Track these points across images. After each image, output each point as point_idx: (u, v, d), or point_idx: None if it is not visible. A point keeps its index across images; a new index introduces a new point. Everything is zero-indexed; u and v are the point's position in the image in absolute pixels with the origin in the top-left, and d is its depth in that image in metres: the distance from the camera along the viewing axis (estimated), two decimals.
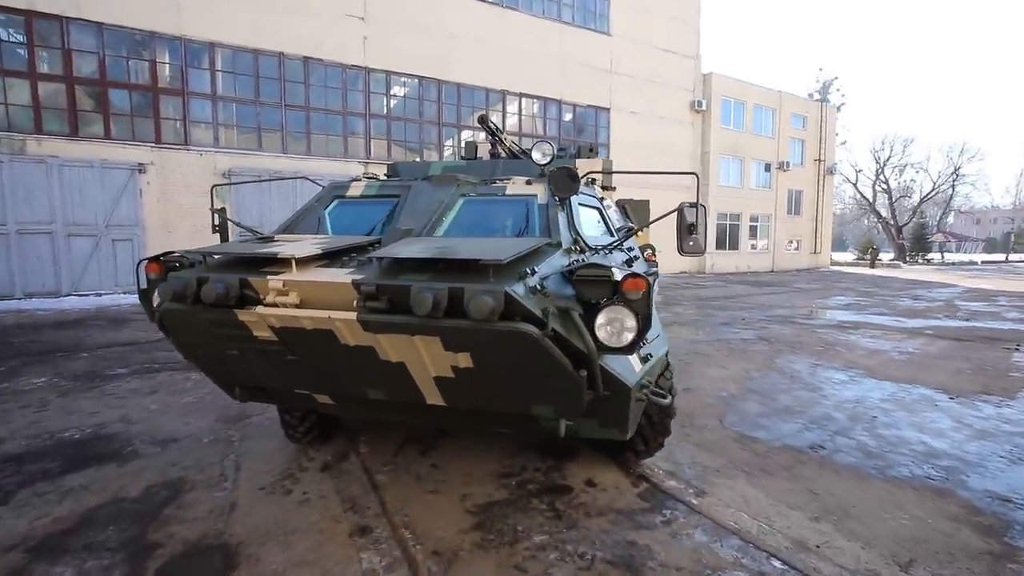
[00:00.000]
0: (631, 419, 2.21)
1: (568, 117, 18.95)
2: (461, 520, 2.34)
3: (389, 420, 3.09)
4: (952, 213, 45.56)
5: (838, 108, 27.76)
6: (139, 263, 2.36)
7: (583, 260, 2.19)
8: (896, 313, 9.91)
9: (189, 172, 13.04)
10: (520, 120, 17.95)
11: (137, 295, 2.52)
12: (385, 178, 3.62)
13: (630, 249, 3.02)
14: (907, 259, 38.28)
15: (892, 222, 41.58)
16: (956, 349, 6.47)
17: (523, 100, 17.84)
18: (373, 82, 15.39)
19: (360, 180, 3.30)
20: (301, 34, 14.08)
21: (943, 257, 40.67)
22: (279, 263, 2.05)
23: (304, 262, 2.05)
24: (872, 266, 29.71)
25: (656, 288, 2.91)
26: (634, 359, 2.09)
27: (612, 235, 2.95)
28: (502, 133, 4.45)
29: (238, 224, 3.47)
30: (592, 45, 18.97)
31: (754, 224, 24.12)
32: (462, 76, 16.58)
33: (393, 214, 2.71)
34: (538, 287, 1.81)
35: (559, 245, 2.27)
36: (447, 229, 2.55)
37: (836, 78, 26.87)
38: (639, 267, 2.93)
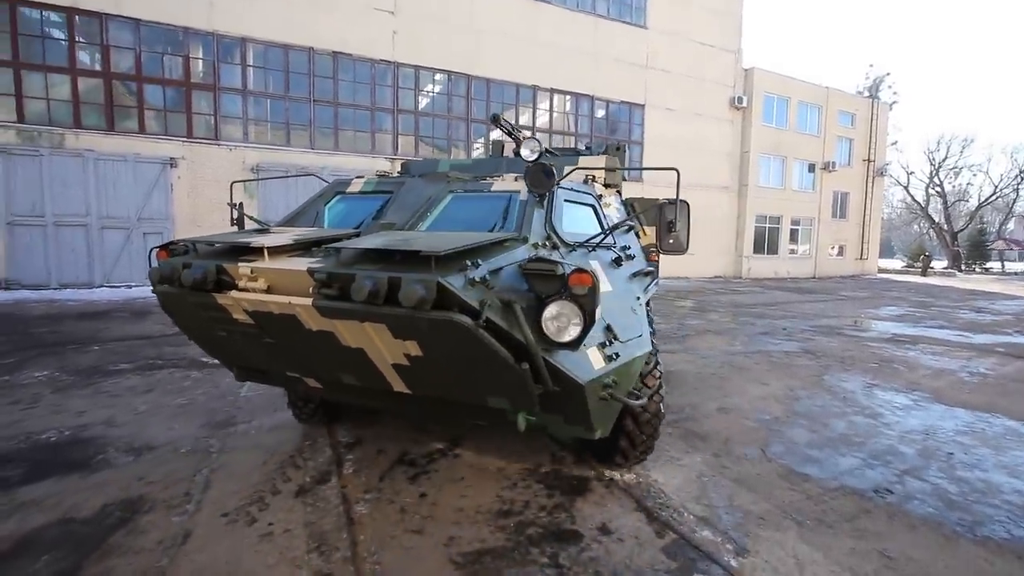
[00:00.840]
0: (596, 417, 2.20)
1: (601, 114, 18.35)
2: (442, 573, 1.93)
3: (376, 407, 3.15)
4: (1014, 219, 42.40)
5: (890, 106, 26.10)
6: (151, 250, 2.55)
7: (545, 255, 2.17)
8: (958, 327, 8.99)
9: (218, 166, 13.12)
10: (551, 117, 17.46)
11: None
12: (398, 175, 3.69)
13: (624, 247, 2.94)
14: (963, 268, 35.85)
15: (946, 228, 39.07)
16: None
17: (554, 96, 17.35)
18: (402, 77, 15.21)
19: (362, 177, 3.40)
20: (330, 29, 14.00)
21: (1003, 266, 37.95)
22: (254, 252, 2.19)
23: (277, 251, 2.18)
24: (924, 274, 27.86)
25: (652, 289, 3.00)
26: (595, 356, 2.09)
27: (610, 236, 2.80)
28: (518, 131, 4.33)
29: (252, 218, 3.53)
30: (627, 39, 18.31)
31: (795, 227, 22.91)
32: (492, 71, 16.23)
33: (383, 209, 2.83)
34: (479, 279, 1.84)
35: (525, 240, 2.28)
36: (431, 223, 2.62)
37: (888, 74, 25.31)
38: (632, 265, 2.90)
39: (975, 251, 35.62)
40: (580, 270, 1.83)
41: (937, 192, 39.91)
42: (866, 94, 28.01)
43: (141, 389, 4.32)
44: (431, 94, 15.83)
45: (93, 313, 8.60)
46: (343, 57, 14.34)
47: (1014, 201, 38.81)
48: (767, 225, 21.92)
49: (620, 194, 3.29)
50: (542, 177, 2.34)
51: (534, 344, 1.84)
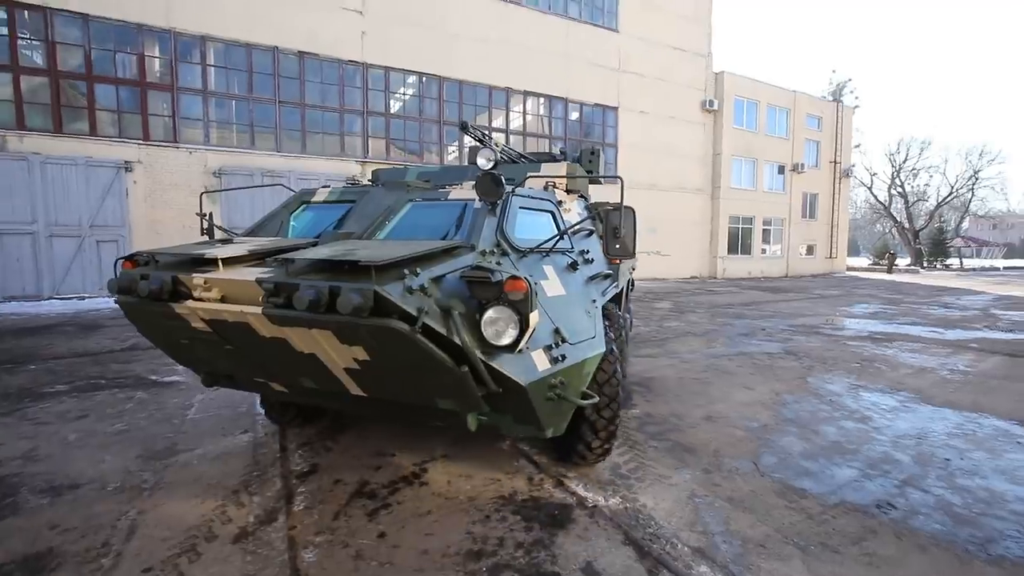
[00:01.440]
0: (545, 417, 2.28)
1: (575, 116, 18.27)
2: None
3: (339, 410, 3.21)
4: (969, 218, 44.17)
5: (853, 109, 26.80)
6: (116, 260, 2.56)
7: (494, 263, 2.27)
8: (931, 323, 9.09)
9: (178, 171, 12.49)
10: (524, 119, 17.29)
11: None
12: (368, 183, 3.95)
13: (583, 252, 3.00)
14: (925, 265, 37.11)
15: (908, 227, 40.44)
16: (1013, 367, 5.67)
17: (528, 98, 17.19)
18: (371, 79, 14.81)
19: (327, 186, 3.43)
20: (296, 27, 13.53)
21: (962, 263, 39.43)
22: (210, 263, 2.23)
23: (232, 262, 2.24)
24: (889, 272, 28.67)
25: (610, 292, 3.11)
26: (540, 358, 2.16)
27: (567, 240, 2.88)
28: (489, 138, 4.40)
29: (222, 228, 3.40)
30: (600, 42, 18.30)
31: (767, 228, 23.26)
32: (465, 73, 15.96)
33: (344, 218, 2.89)
34: (418, 287, 1.88)
35: (472, 248, 2.33)
36: (389, 232, 2.66)
37: (850, 79, 25.99)
38: (591, 269, 2.97)
39: (936, 249, 36.91)
40: (515, 277, 1.90)
41: (899, 193, 41.30)
42: (830, 99, 28.72)
43: (74, 414, 3.88)
44: (402, 96, 15.47)
45: (36, 328, 7.96)
46: (310, 57, 13.87)
47: (970, 200, 40.39)
48: (740, 226, 22.17)
49: (585, 199, 3.18)
50: (492, 186, 2.42)
51: (470, 347, 1.91)
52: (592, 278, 2.95)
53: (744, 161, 22.00)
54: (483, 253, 2.32)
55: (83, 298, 11.49)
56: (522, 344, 2.00)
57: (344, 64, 14.34)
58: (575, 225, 2.89)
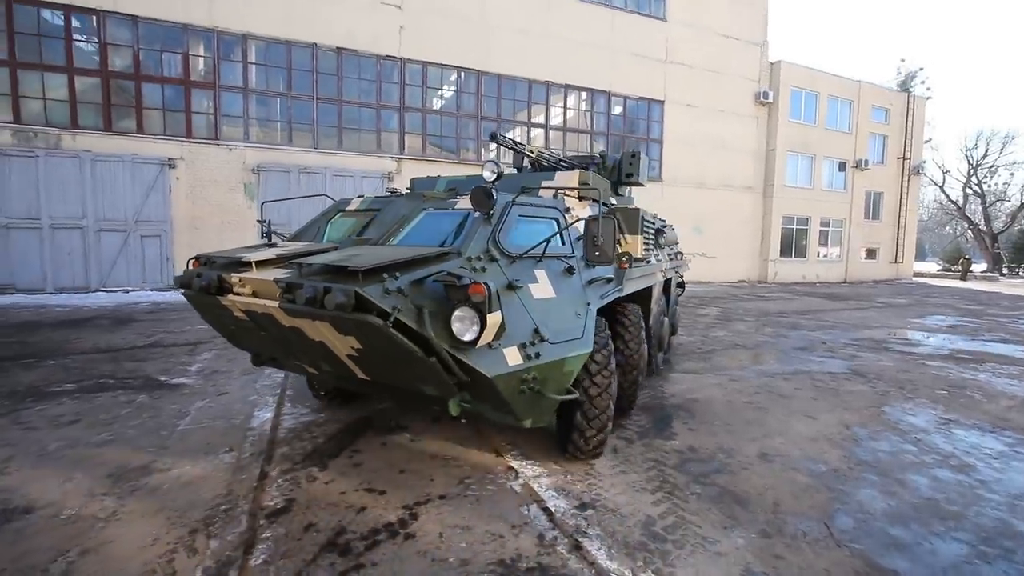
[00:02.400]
0: (520, 408, 2.49)
1: (618, 110, 17.50)
2: None
3: (360, 391, 3.37)
4: None
5: (925, 100, 24.61)
6: (188, 260, 3.06)
7: (480, 267, 2.49)
8: None
9: (218, 167, 12.66)
10: (565, 114, 16.68)
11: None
12: (406, 191, 4.22)
13: (568, 256, 3.04)
14: (1005, 272, 33.84)
15: (985, 229, 37.02)
16: None
17: (569, 92, 16.57)
18: (409, 74, 14.60)
19: (361, 197, 3.79)
20: (335, 24, 13.48)
21: None
22: (246, 265, 2.67)
23: (264, 264, 2.66)
24: (964, 279, 26.25)
25: (612, 295, 3.20)
26: (511, 354, 2.36)
27: (568, 246, 3.10)
28: (520, 146, 4.81)
29: (277, 233, 3.86)
30: (646, 32, 17.44)
31: (825, 229, 21.66)
32: (503, 67, 15.53)
33: (368, 225, 3.23)
34: (395, 289, 2.16)
35: (459, 254, 2.53)
36: (401, 238, 2.93)
37: (921, 69, 23.80)
38: (591, 273, 3.09)
39: (1019, 254, 33.59)
40: (476, 282, 2.14)
41: (975, 192, 37.90)
42: (898, 89, 26.53)
43: (67, 419, 3.67)
44: (440, 91, 15.19)
45: (73, 321, 8.09)
46: (348, 53, 13.79)
47: None
48: (794, 227, 20.73)
49: (602, 204, 2.90)
50: (483, 198, 2.65)
51: (435, 341, 2.13)
52: (592, 282, 3.07)
53: (801, 157, 20.54)
54: (469, 259, 2.50)
55: (127, 291, 11.81)
56: (482, 341, 2.18)
57: (382, 60, 14.19)
58: (559, 230, 2.95)
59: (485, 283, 2.13)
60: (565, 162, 5.24)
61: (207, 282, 2.66)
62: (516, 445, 3.31)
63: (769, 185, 19.99)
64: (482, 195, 2.64)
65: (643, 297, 4.34)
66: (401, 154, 14.60)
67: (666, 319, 5.52)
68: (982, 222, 37.21)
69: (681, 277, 7.33)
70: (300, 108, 13.58)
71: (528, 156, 5.17)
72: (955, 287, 20.73)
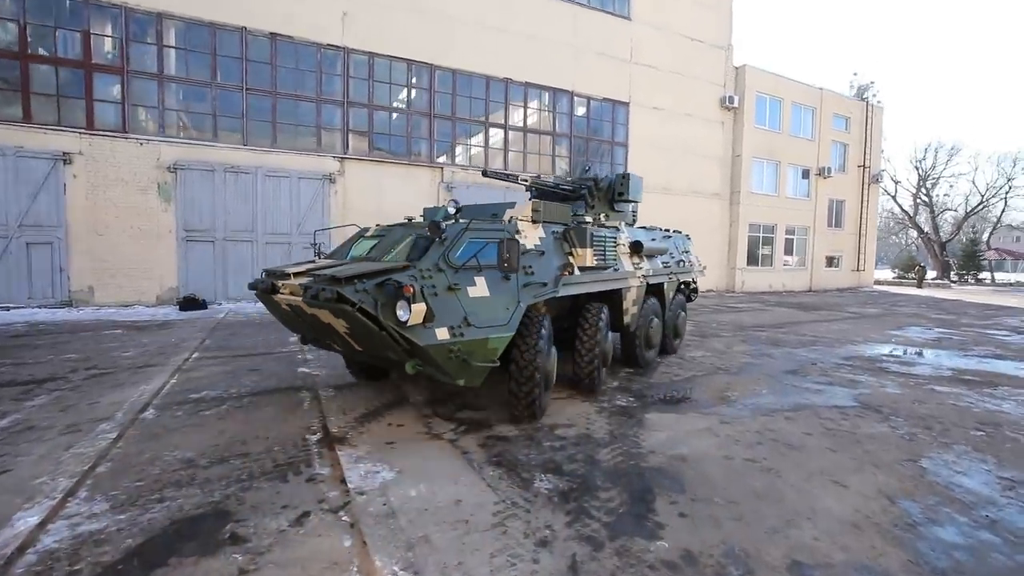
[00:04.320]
0: (453, 370, 3.48)
1: (581, 112, 16.63)
2: None
3: (369, 362, 4.36)
4: (1002, 229, 41.86)
5: (882, 109, 24.93)
6: (262, 271, 4.44)
7: (428, 276, 3.49)
8: (1021, 356, 7.26)
9: (126, 164, 10.98)
10: (525, 114, 15.68)
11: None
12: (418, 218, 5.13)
13: (525, 267, 4.05)
14: (955, 278, 34.93)
15: (934, 238, 38.29)
16: None
17: (529, 91, 15.58)
18: (353, 66, 13.28)
19: (378, 225, 5.01)
20: (268, 6, 12.05)
21: (993, 277, 37.16)
22: (287, 275, 3.86)
23: (299, 275, 3.78)
24: (920, 286, 26.63)
25: (545, 295, 4.04)
26: (441, 332, 3.33)
27: (509, 265, 3.66)
28: (513, 177, 5.74)
29: (321, 254, 5.09)
30: (610, 31, 16.70)
31: (790, 237, 21.40)
32: (458, 62, 14.41)
33: (375, 247, 4.31)
34: (362, 289, 3.22)
35: (414, 267, 3.52)
36: (392, 256, 3.96)
37: (872, 83, 24.17)
38: (529, 278, 4.01)
39: (969, 261, 34.74)
40: (407, 285, 3.18)
41: (924, 202, 39.21)
42: (856, 99, 26.87)
43: None
44: (388, 86, 13.90)
45: None
46: (283, 40, 12.38)
47: (1002, 211, 38.21)
48: (760, 234, 20.36)
49: (556, 226, 4.50)
50: (435, 229, 3.70)
51: (383, 320, 3.16)
52: (527, 285, 3.95)
53: (766, 164, 20.22)
54: (420, 270, 3.49)
55: (7, 308, 9.96)
56: (412, 321, 3.17)
57: (323, 49, 12.83)
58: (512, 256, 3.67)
59: (412, 285, 3.21)
60: (563, 187, 6.32)
61: (265, 286, 3.95)
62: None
63: (736, 192, 19.54)
64: (434, 226, 3.69)
65: (611, 297, 5.32)
66: (344, 154, 13.23)
67: (656, 319, 6.22)
68: (931, 231, 38.48)
69: (692, 282, 7.88)
70: (227, 99, 12.05)
71: (523, 184, 6.04)
72: (915, 295, 20.76)
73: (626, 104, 17.14)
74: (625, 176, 6.60)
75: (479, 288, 3.64)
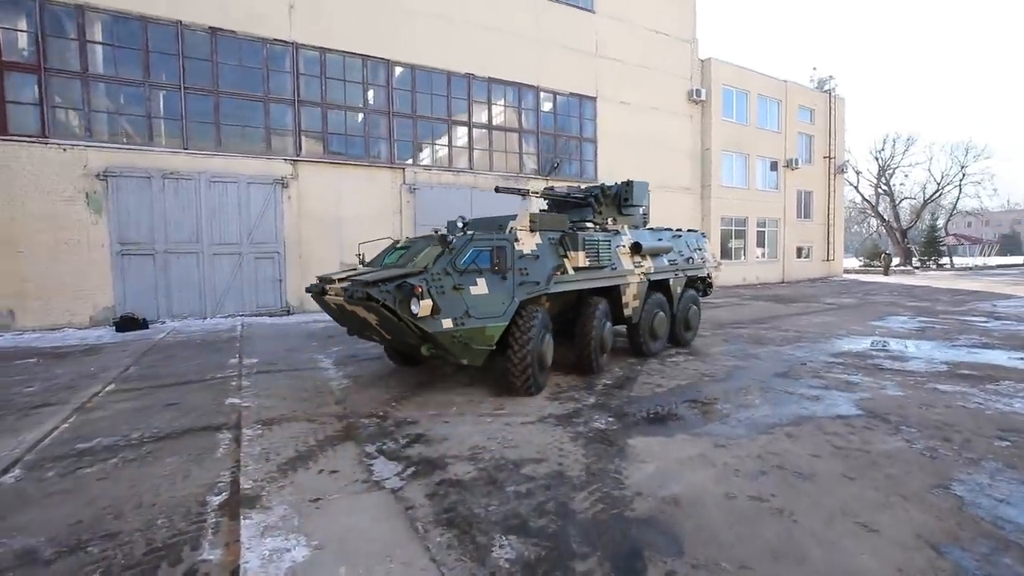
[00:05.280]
0: (457, 352, 4.43)
1: (548, 107, 16.10)
2: None
3: (401, 349, 5.64)
4: (957, 215, 43.25)
5: (844, 101, 25.21)
6: (317, 277, 5.50)
7: (437, 278, 4.39)
8: (1012, 345, 6.99)
9: (46, 172, 9.90)
10: (490, 110, 15.05)
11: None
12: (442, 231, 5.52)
13: (522, 269, 4.86)
14: (917, 265, 35.82)
15: (896, 226, 39.27)
16: None
17: (493, 87, 14.96)
18: (304, 62, 12.43)
19: (408, 237, 6.39)
20: None
21: (952, 262, 38.32)
22: (334, 280, 4.86)
23: (343, 279, 4.74)
24: (886, 273, 27.08)
25: (536, 291, 4.85)
26: (446, 322, 4.23)
27: (499, 268, 4.70)
28: (524, 191, 6.83)
29: (362, 263, 5.94)
30: (574, 24, 16.22)
31: (761, 229, 21.34)
32: (417, 57, 13.68)
33: (403, 255, 5.27)
34: (385, 289, 4.14)
35: (426, 270, 4.44)
36: (413, 263, 4.75)
37: (831, 77, 24.35)
38: (523, 278, 4.82)
39: (930, 247, 35.68)
40: (418, 285, 4.09)
41: (884, 191, 40.18)
42: (820, 91, 27.16)
43: None
44: (343, 83, 13.07)
45: None
46: (224, 35, 11.45)
47: (957, 198, 39.44)
48: (732, 228, 20.21)
49: (551, 234, 5.39)
50: (442, 241, 4.67)
51: (400, 313, 4.06)
52: (522, 284, 4.79)
53: (735, 156, 20.09)
54: (432, 274, 4.37)
55: None
56: (422, 313, 4.06)
57: (269, 44, 11.94)
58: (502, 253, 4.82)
59: (421, 286, 4.12)
60: (574, 196, 7.00)
61: (318, 288, 5.10)
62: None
63: (706, 186, 19.33)
64: (443, 239, 4.70)
65: (610, 292, 5.97)
66: (297, 156, 12.35)
67: (661, 312, 6.72)
68: (892, 219, 39.44)
69: (708, 277, 8.16)
70: (162, 100, 11.06)
71: (533, 196, 6.79)
72: (884, 282, 20.96)
73: (593, 99, 16.68)
74: (629, 184, 7.19)
75: (480, 287, 4.53)
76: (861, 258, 39.55)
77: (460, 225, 5.15)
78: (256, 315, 11.99)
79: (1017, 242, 60.27)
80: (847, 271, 28.35)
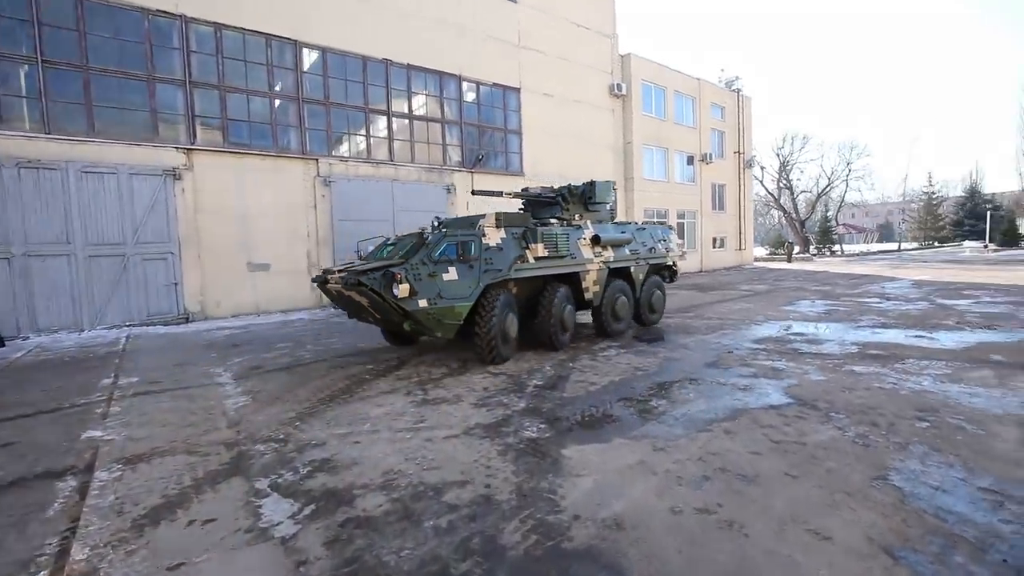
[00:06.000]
0: (433, 326, 5.40)
1: (471, 97, 15.60)
2: None
3: (391, 329, 6.48)
4: (844, 207, 47.96)
5: (750, 100, 26.87)
6: (323, 269, 6.83)
7: (415, 267, 5.31)
8: (904, 324, 7.52)
9: None
10: (410, 100, 14.30)
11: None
12: (432, 228, 6.50)
13: (487, 259, 5.81)
14: (814, 251, 39.27)
15: (795, 217, 42.80)
16: None
17: (412, 74, 14.22)
18: (197, 39, 11.07)
19: (398, 235, 6.78)
20: None
21: (843, 249, 42.42)
22: (332, 272, 5.87)
23: (341, 271, 5.75)
24: (790, 260, 29.34)
25: (499, 277, 5.79)
26: (422, 303, 5.18)
27: (477, 252, 5.74)
28: (499, 193, 7.64)
29: (360, 257, 6.82)
30: (497, 13, 15.82)
31: (681, 221, 22.23)
32: (328, 39, 12.67)
33: (392, 248, 6.18)
34: (373, 276, 5.10)
35: (406, 260, 5.37)
36: (401, 255, 5.68)
37: (738, 78, 25.91)
38: (487, 266, 5.76)
39: (824, 236, 39.13)
40: (398, 272, 5.02)
41: (785, 185, 43.64)
42: (729, 90, 28.78)
43: None
44: (243, 63, 11.80)
45: None
46: (94, 3, 9.88)
47: (845, 191, 43.65)
48: (655, 219, 20.84)
49: (514, 229, 6.26)
50: (418, 238, 5.85)
51: (385, 296, 5.02)
52: (487, 271, 5.71)
53: (655, 151, 20.72)
54: (412, 263, 5.26)
55: None
56: (402, 295, 4.98)
57: (152, 15, 10.48)
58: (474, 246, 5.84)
59: (400, 273, 5.03)
60: (545, 196, 7.68)
61: (321, 279, 5.96)
62: None
63: (629, 179, 19.76)
64: (419, 236, 5.93)
65: (571, 279, 6.75)
66: (191, 144, 10.99)
67: (623, 297, 7.50)
68: (792, 211, 42.96)
69: (673, 265, 8.85)
70: (12, 75, 9.36)
71: (507, 196, 7.68)
72: (789, 269, 22.59)
73: (517, 90, 16.40)
74: (592, 184, 7.89)
75: (451, 274, 5.45)
76: (767, 247, 42.73)
77: (435, 224, 6.52)
78: (148, 324, 10.57)
79: (891, 231, 68.07)
80: (757, 259, 30.40)
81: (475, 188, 7.38)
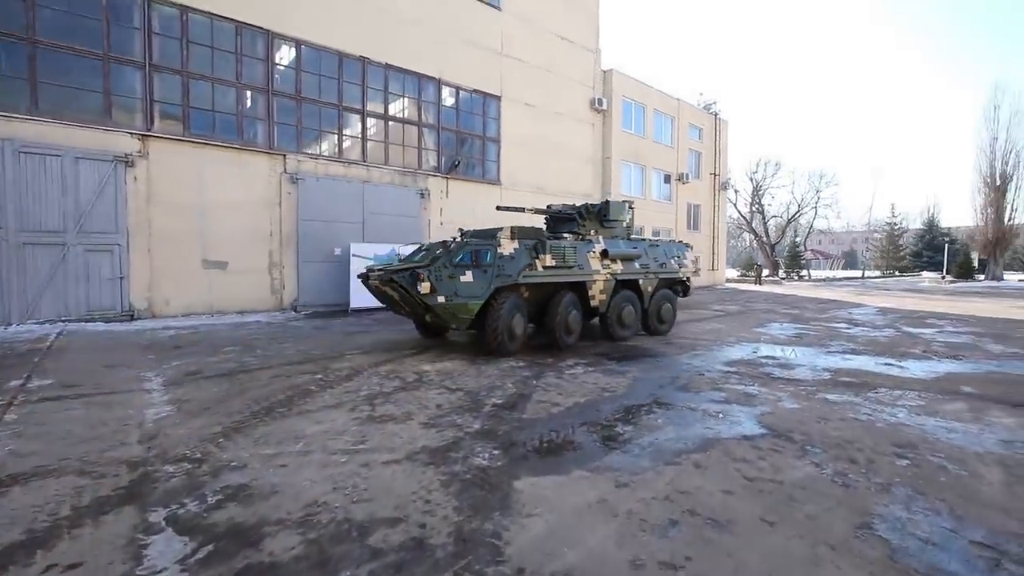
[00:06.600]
0: (450, 319, 6.41)
1: (450, 102, 15.29)
2: None
3: (422, 323, 7.76)
4: (812, 233, 49.39)
5: (726, 123, 27.41)
6: (366, 267, 7.69)
7: (438, 269, 6.34)
8: (874, 351, 7.44)
9: None
10: (386, 100, 13.90)
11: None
12: (455, 239, 7.36)
13: (500, 267, 6.64)
14: (783, 275, 40.12)
15: (766, 240, 43.78)
16: None
17: (390, 74, 13.84)
18: (159, 20, 10.47)
19: (430, 242, 8.72)
20: None
21: (810, 274, 43.52)
22: (373, 271, 7.13)
23: (380, 270, 6.92)
24: (758, 283, 29.83)
25: (508, 282, 6.63)
26: (441, 299, 6.20)
27: (491, 260, 6.62)
28: (522, 209, 9.02)
29: (400, 258, 8.80)
30: (480, 19, 15.62)
31: (656, 239, 22.26)
32: (304, 31, 12.21)
33: (424, 254, 7.23)
34: (402, 275, 6.31)
35: (432, 264, 6.40)
36: (427, 260, 6.69)
37: (715, 102, 26.47)
38: (498, 272, 6.60)
39: (793, 261, 40.03)
40: (422, 272, 6.16)
41: (757, 209, 44.66)
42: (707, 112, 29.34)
43: None
44: (210, 49, 11.22)
45: None
46: None
47: (814, 218, 44.93)
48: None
49: (526, 242, 7.04)
50: (442, 246, 6.98)
51: (412, 291, 6.17)
52: (499, 275, 6.55)
53: (633, 167, 20.77)
54: (436, 267, 6.28)
55: None
56: (425, 291, 6.08)
57: None
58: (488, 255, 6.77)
59: (424, 273, 6.08)
60: (565, 212, 8.63)
61: (363, 276, 7.26)
62: None
63: (606, 193, 19.71)
64: (441, 245, 7.07)
65: (579, 287, 7.51)
66: (148, 130, 10.33)
67: (630, 306, 8.15)
68: (763, 235, 43.94)
69: (687, 280, 9.72)
70: None
71: (529, 212, 9.02)
72: (758, 291, 22.87)
73: (498, 98, 16.18)
74: (607, 203, 8.60)
75: (468, 277, 6.39)
76: (739, 269, 43.49)
77: (459, 235, 7.40)
78: (87, 320, 9.78)
79: (855, 258, 70.52)
80: (729, 280, 30.80)
81: (500, 204, 8.85)
